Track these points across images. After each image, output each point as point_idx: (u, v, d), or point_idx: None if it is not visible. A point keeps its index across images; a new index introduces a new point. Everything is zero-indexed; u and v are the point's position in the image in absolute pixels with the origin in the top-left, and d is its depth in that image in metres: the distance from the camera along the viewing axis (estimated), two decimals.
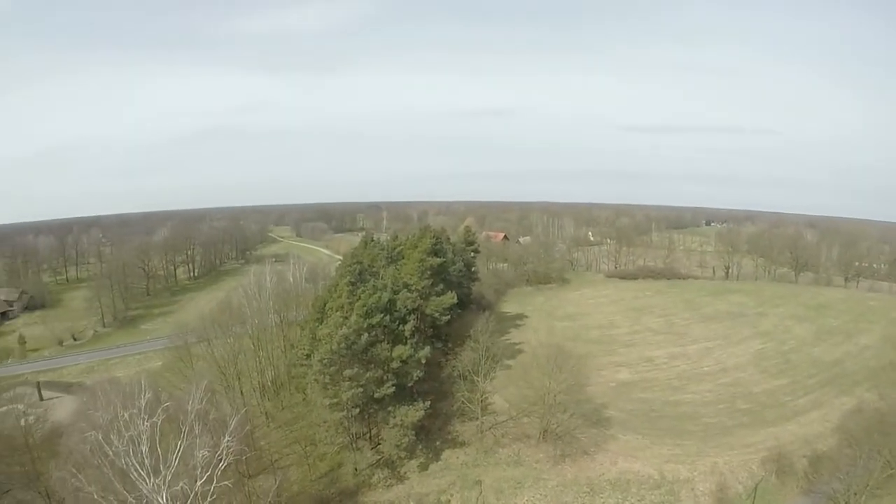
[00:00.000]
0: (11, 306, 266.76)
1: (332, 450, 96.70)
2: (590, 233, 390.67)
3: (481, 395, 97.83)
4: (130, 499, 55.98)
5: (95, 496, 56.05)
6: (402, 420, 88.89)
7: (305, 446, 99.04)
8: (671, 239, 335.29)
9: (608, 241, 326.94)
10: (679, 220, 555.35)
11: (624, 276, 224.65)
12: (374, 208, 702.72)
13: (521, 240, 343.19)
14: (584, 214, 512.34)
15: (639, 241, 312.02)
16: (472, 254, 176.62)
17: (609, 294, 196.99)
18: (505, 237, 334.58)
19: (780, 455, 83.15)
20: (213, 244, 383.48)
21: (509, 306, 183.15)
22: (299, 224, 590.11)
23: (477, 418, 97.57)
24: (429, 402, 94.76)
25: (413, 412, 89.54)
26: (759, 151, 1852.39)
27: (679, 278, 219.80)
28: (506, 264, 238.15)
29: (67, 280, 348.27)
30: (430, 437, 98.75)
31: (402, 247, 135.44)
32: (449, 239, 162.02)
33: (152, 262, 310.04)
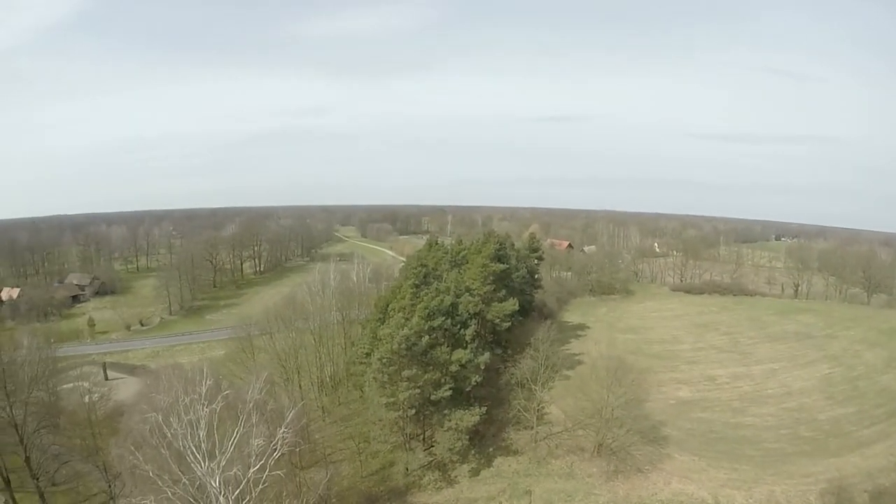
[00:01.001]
0: (83, 290, 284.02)
1: (384, 448, 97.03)
2: (656, 244, 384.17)
3: (538, 405, 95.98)
4: (184, 480, 56.64)
5: (151, 474, 56.82)
6: (457, 424, 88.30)
7: (359, 443, 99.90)
8: (739, 253, 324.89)
9: (674, 253, 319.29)
10: (748, 234, 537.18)
11: (689, 291, 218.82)
12: (439, 212, 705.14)
13: (585, 248, 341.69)
14: (651, 224, 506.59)
15: (706, 255, 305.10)
16: (536, 261, 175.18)
17: (673, 308, 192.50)
18: (569, 245, 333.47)
19: (841, 488, 78.79)
20: (280, 241, 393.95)
21: (571, 316, 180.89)
22: (365, 224, 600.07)
23: (532, 427, 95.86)
24: (485, 408, 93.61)
25: (468, 416, 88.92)
26: (832, 163, 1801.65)
27: (746, 295, 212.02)
28: (569, 273, 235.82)
29: (137, 269, 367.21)
30: (484, 442, 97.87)
31: (466, 251, 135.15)
32: (513, 245, 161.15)
33: (220, 255, 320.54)
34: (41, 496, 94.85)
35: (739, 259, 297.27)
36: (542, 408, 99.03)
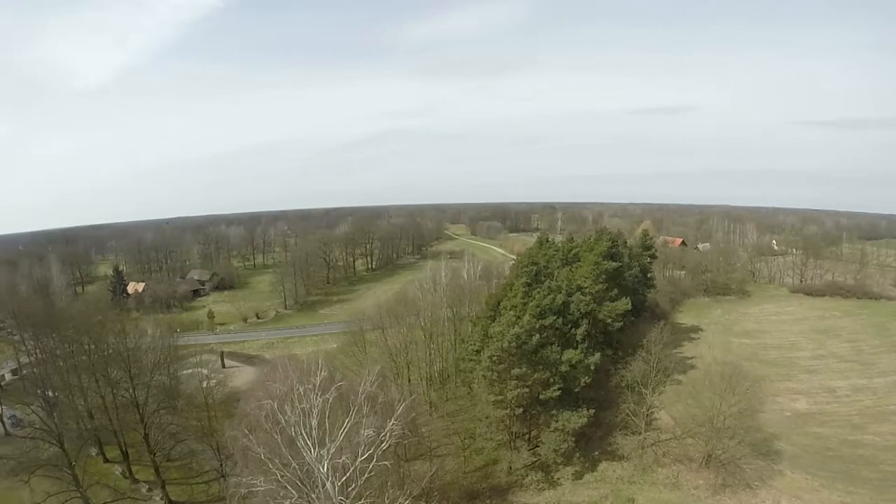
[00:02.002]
0: (203, 285, 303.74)
1: (489, 445, 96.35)
2: (774, 241, 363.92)
3: (647, 409, 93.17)
4: (294, 464, 58.23)
5: (262, 457, 58.83)
6: (563, 425, 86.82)
7: (464, 439, 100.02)
8: (863, 251, 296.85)
9: (793, 251, 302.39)
10: (873, 230, 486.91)
11: (810, 293, 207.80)
12: (549, 209, 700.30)
13: (699, 246, 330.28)
14: (768, 220, 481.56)
15: (827, 253, 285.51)
16: (649, 259, 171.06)
17: (792, 311, 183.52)
18: (683, 243, 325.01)
19: None
20: (391, 239, 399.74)
21: (684, 317, 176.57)
22: (475, 222, 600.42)
23: (640, 433, 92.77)
24: (593, 410, 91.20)
25: (576, 418, 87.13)
26: None
27: (871, 298, 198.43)
28: (683, 272, 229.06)
29: (254, 266, 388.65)
30: (590, 445, 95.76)
31: (577, 249, 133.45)
32: (626, 242, 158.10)
33: (333, 253, 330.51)
34: (156, 470, 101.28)
35: (864, 258, 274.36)
36: (652, 413, 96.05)
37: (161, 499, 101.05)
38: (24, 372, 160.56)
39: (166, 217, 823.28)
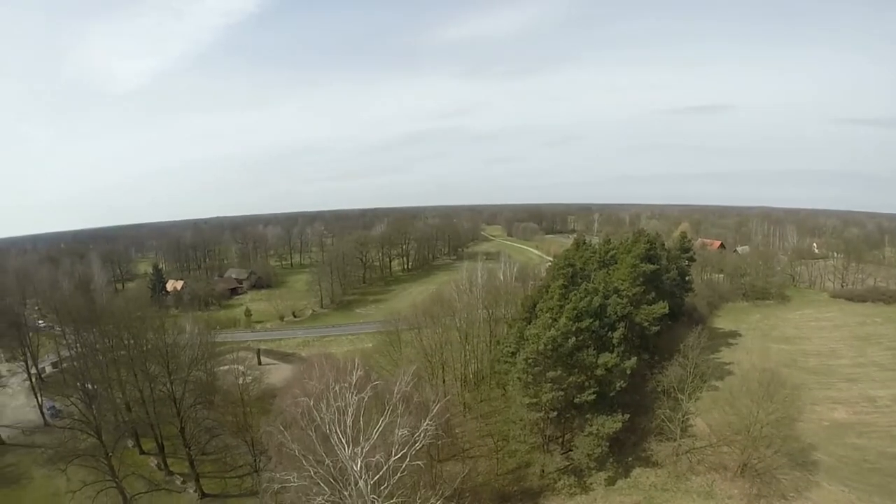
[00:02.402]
0: (241, 284, 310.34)
1: (522, 448, 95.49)
2: (814, 244, 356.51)
3: (683, 416, 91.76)
4: (328, 461, 58.55)
5: (296, 453, 59.55)
6: (598, 429, 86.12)
7: (497, 441, 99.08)
8: None
9: (834, 254, 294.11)
10: None
11: (851, 298, 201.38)
12: (585, 210, 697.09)
13: (738, 249, 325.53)
14: (809, 222, 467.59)
15: (869, 257, 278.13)
16: (687, 262, 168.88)
17: (832, 317, 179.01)
18: (721, 245, 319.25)
19: None
20: (427, 240, 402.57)
21: (722, 322, 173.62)
22: (511, 223, 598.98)
23: (674, 440, 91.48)
24: (627, 415, 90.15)
25: (611, 423, 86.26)
26: None
27: None
28: (721, 275, 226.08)
29: (291, 265, 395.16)
30: (623, 451, 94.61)
31: (614, 251, 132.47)
32: (663, 245, 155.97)
33: (369, 253, 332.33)
34: (191, 463, 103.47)
35: None
36: (687, 419, 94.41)
37: (195, 491, 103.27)
38: (65, 365, 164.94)
39: (205, 217, 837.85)
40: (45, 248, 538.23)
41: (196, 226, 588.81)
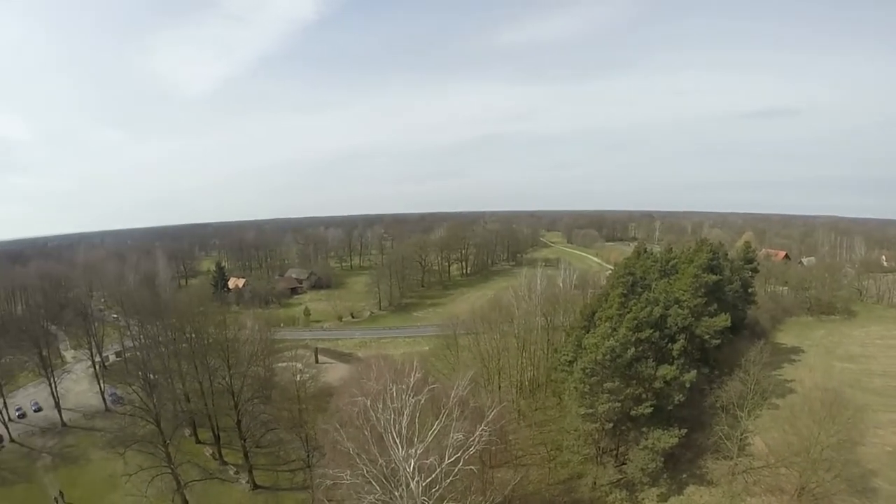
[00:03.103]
0: (301, 284, 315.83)
1: (575, 459, 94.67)
2: (883, 256, 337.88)
3: (741, 434, 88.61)
4: (381, 461, 58.80)
5: (351, 451, 59.90)
6: (653, 443, 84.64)
7: (550, 450, 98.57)
8: None
9: None
10: None
11: None
12: (647, 217, 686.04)
13: (803, 260, 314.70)
14: (877, 233, 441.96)
15: None
16: (750, 273, 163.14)
17: None
18: (786, 256, 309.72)
19: None
20: (486, 245, 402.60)
21: (785, 336, 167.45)
22: (570, 230, 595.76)
23: (731, 458, 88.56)
24: (684, 430, 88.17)
25: (666, 437, 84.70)
26: None
27: None
28: (785, 288, 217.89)
29: (351, 267, 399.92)
30: (678, 467, 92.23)
31: (676, 260, 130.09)
32: (726, 255, 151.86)
33: (429, 257, 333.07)
34: (245, 454, 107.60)
35: None
36: (745, 438, 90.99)
37: (247, 482, 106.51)
38: (128, 355, 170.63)
39: (267, 218, 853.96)
40: (113, 243, 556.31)
41: (258, 226, 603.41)
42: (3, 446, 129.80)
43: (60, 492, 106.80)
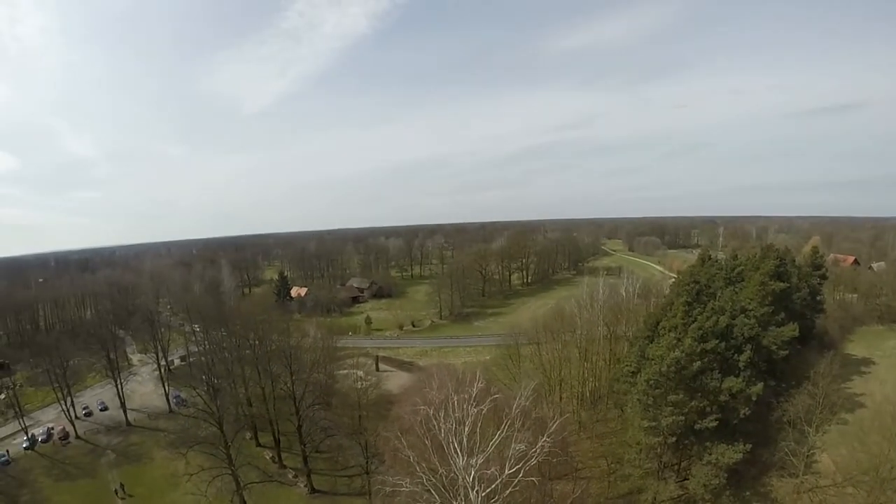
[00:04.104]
0: (362, 293, 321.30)
1: (636, 473, 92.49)
2: None
3: (808, 450, 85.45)
4: (441, 470, 58.76)
5: (411, 459, 60.07)
6: (717, 458, 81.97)
7: (611, 463, 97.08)
8: None
9: None
10: None
11: None
12: (710, 223, 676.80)
13: (873, 265, 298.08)
14: None
15: None
16: (819, 280, 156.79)
17: None
18: (855, 261, 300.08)
19: None
20: (547, 254, 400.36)
21: (855, 347, 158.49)
22: (632, 238, 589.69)
23: (797, 476, 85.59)
24: (749, 446, 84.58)
25: (731, 453, 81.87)
26: None
27: None
28: (854, 295, 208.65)
29: (412, 276, 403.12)
30: (741, 484, 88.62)
31: (742, 267, 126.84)
32: (794, 261, 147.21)
33: (489, 266, 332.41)
34: (304, 459, 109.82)
35: None
36: (812, 454, 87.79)
37: (305, 486, 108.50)
38: (192, 359, 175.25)
39: (328, 228, 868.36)
40: (179, 253, 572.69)
41: (320, 237, 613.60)
42: (69, 442, 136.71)
43: (121, 484, 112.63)
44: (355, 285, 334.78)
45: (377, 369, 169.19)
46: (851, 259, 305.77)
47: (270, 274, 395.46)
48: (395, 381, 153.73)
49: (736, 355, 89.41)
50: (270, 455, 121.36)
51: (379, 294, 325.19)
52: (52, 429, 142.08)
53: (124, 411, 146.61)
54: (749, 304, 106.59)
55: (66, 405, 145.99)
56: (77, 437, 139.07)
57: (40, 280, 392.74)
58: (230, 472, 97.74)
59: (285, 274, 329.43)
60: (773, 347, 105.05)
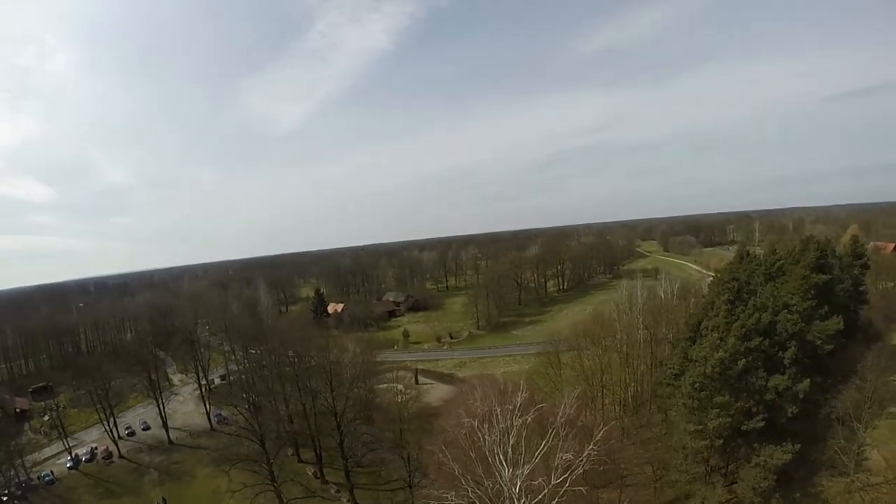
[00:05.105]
0: (398, 306, 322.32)
1: (683, 478, 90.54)
2: None
3: (858, 447, 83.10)
4: (486, 483, 58.22)
5: (456, 472, 59.56)
6: (765, 460, 79.80)
7: (656, 469, 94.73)
8: None
9: None
10: None
11: None
12: (745, 218, 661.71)
13: None
14: None
15: None
16: (860, 270, 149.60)
17: None
18: (895, 248, 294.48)
19: None
20: (582, 259, 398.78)
21: None
22: (666, 238, 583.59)
23: (848, 475, 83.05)
24: (798, 445, 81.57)
25: (779, 453, 79.60)
26: None
27: None
28: None
29: (447, 288, 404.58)
30: (791, 486, 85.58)
31: (781, 261, 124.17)
32: (834, 252, 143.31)
33: (524, 274, 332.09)
34: (346, 474, 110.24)
35: None
36: (863, 451, 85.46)
37: (348, 501, 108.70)
38: (232, 378, 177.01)
39: (361, 244, 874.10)
40: (215, 274, 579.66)
41: (354, 253, 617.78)
42: (112, 461, 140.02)
43: (164, 498, 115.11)
44: (391, 299, 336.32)
45: (416, 382, 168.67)
46: (892, 246, 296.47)
47: (306, 291, 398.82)
48: (435, 393, 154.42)
49: (780, 352, 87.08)
50: (312, 471, 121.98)
51: (415, 307, 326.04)
52: (96, 448, 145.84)
53: (166, 430, 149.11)
54: (791, 298, 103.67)
55: (108, 425, 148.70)
56: (120, 456, 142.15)
57: (80, 305, 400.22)
58: (273, 488, 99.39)
59: (321, 291, 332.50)
60: (818, 342, 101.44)
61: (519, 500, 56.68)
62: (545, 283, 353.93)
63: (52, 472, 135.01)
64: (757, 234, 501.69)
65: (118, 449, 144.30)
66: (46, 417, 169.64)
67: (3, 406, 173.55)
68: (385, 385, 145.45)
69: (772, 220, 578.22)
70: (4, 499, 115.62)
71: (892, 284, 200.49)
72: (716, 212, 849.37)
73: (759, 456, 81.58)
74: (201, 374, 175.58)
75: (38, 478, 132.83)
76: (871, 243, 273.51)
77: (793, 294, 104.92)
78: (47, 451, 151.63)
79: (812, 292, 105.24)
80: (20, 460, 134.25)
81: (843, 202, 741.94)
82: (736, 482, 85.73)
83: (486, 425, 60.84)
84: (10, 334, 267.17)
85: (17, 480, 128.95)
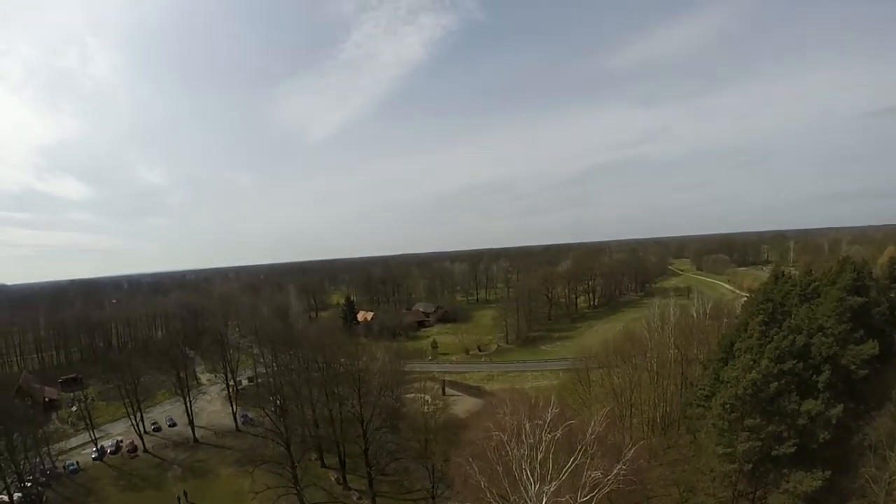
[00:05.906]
0: (428, 317, 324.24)
1: (710, 502, 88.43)
2: None
3: (889, 477, 77.96)
4: (513, 498, 57.82)
5: (483, 485, 59.37)
6: (795, 487, 78.10)
7: (682, 491, 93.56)
8: None
9: None
10: None
11: None
12: (779, 237, 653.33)
13: None
14: None
15: None
16: None
17: None
18: None
19: None
20: (613, 275, 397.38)
21: None
22: (699, 256, 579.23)
23: None
24: (828, 473, 79.61)
25: (809, 480, 77.74)
26: None
27: None
28: None
29: (477, 300, 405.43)
30: None
31: (816, 283, 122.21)
32: (871, 273, 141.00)
33: (555, 289, 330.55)
34: (370, 481, 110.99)
35: None
36: (894, 481, 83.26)
37: None
38: (260, 380, 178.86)
39: (393, 253, 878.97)
40: (247, 277, 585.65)
41: (385, 262, 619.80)
42: (137, 455, 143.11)
43: (185, 491, 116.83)
44: (421, 309, 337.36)
45: (443, 393, 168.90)
46: None
47: (337, 298, 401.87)
48: (462, 405, 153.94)
49: (814, 376, 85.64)
50: (335, 476, 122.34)
51: (445, 318, 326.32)
52: (122, 441, 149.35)
53: (192, 428, 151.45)
54: (826, 321, 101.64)
55: (135, 420, 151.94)
56: (145, 450, 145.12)
57: (114, 301, 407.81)
58: (296, 491, 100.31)
59: (352, 298, 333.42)
60: (853, 367, 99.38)
61: None
62: (576, 298, 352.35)
63: (77, 461, 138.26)
64: (792, 253, 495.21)
65: (143, 443, 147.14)
66: (74, 408, 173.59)
67: (32, 394, 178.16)
68: (412, 395, 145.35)
69: (807, 240, 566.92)
70: (29, 485, 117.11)
71: None
72: (750, 230, 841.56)
73: (788, 482, 79.81)
74: (229, 375, 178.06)
75: (64, 466, 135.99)
76: None
77: (828, 316, 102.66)
78: (73, 441, 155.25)
79: (847, 315, 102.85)
80: (46, 448, 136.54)
81: (879, 223, 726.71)
82: None
83: (514, 439, 60.48)
84: (43, 325, 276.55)
85: (42, 467, 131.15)
